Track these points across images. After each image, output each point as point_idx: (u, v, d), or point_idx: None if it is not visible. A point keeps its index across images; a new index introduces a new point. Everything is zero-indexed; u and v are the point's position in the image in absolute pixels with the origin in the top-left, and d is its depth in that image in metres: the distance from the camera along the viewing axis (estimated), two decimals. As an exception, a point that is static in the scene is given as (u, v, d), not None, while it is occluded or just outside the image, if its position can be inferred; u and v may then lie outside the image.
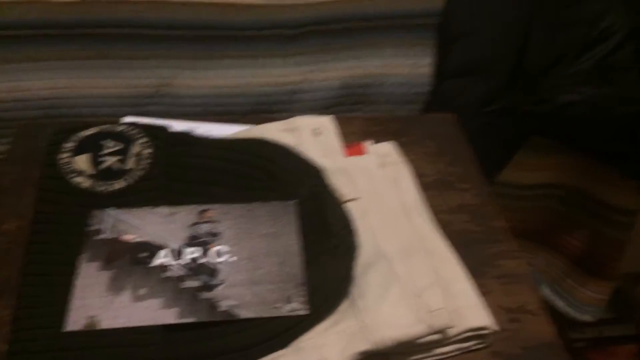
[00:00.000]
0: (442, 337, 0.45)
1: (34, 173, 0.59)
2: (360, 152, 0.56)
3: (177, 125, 0.65)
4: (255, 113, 0.87)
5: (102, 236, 0.46)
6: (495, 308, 0.50)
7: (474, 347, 0.48)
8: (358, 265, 0.47)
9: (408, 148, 0.64)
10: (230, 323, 0.41)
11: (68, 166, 0.49)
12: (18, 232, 0.53)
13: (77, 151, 0.51)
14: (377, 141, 0.62)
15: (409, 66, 0.86)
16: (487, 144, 0.84)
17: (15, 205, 0.56)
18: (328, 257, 0.46)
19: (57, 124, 0.64)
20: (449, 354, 0.47)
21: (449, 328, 0.45)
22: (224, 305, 0.42)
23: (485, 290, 0.51)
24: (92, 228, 0.46)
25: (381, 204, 0.53)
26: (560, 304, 1.10)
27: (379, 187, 0.54)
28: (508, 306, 0.52)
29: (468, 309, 0.47)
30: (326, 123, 0.57)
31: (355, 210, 0.51)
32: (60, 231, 0.46)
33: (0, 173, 0.59)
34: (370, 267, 0.47)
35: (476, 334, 0.47)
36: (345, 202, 0.52)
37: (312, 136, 0.56)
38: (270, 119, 0.61)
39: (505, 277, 0.55)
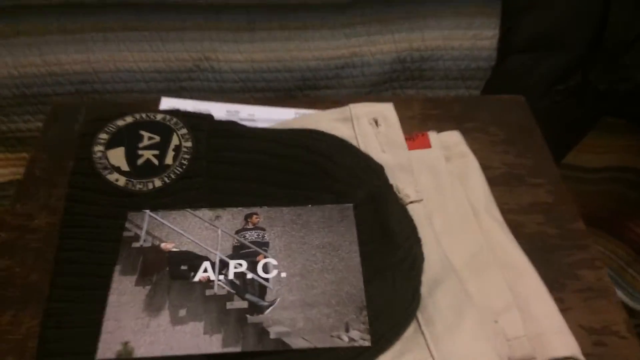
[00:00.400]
0: (521, 368, 0.39)
1: (66, 162, 0.54)
2: (425, 145, 0.50)
3: (217, 108, 0.60)
4: (300, 90, 0.81)
5: (138, 244, 0.41)
6: (576, 328, 0.44)
7: (554, 377, 0.42)
8: (423, 282, 0.41)
9: (472, 135, 0.57)
10: (280, 353, 0.36)
11: (102, 161, 0.45)
12: (49, 229, 0.49)
13: (112, 144, 0.46)
14: (438, 126, 0.55)
15: (470, 38, 0.78)
16: (555, 125, 0.76)
17: (47, 198, 0.52)
18: (392, 274, 0.40)
19: (90, 106, 0.60)
20: (526, 384, 0.42)
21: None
22: (273, 332, 0.37)
23: (564, 307, 0.45)
24: (128, 234, 0.41)
25: (447, 206, 0.47)
26: (618, 293, 1.03)
27: (445, 185, 0.48)
28: (591, 326, 0.46)
29: (552, 335, 0.41)
30: (386, 111, 0.50)
31: (418, 214, 0.45)
32: (93, 236, 0.41)
33: (31, 161, 0.55)
34: (438, 286, 0.41)
35: (559, 364, 0.41)
36: (408, 204, 0.46)
37: (370, 127, 0.49)
38: (316, 97, 0.54)
39: (587, 291, 0.48)
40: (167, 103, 0.60)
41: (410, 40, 0.78)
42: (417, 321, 0.39)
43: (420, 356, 0.37)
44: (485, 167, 0.54)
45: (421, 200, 0.46)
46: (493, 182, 0.53)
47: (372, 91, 0.81)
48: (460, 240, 0.45)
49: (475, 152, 0.54)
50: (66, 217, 0.43)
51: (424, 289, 0.41)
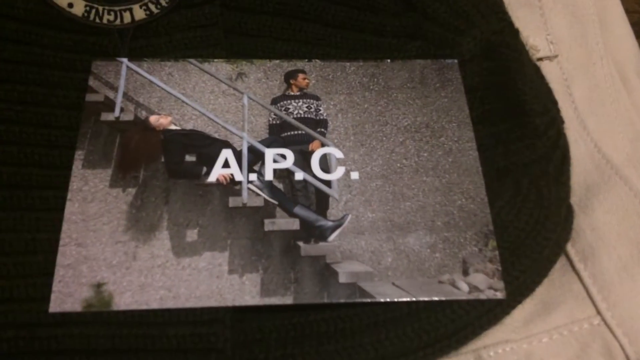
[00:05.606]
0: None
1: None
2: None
3: None
4: None
5: (112, 115, 0.25)
6: None
7: None
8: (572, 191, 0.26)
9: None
10: (356, 307, 0.22)
11: (45, -26, 0.27)
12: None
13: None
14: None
15: None
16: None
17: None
18: (531, 179, 0.25)
19: None
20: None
21: None
22: (343, 272, 0.22)
23: None
24: (94, 98, 0.25)
25: (594, 67, 0.30)
26: None
27: (590, 35, 0.31)
28: None
29: None
30: None
31: (551, 80, 0.29)
32: (35, 99, 0.25)
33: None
34: (596, 196, 0.26)
35: None
36: (537, 61, 0.29)
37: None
38: None
39: None
40: None
41: None
42: (567, 254, 0.25)
43: (580, 314, 0.23)
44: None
45: (556, 56, 0.30)
46: (630, 33, 0.36)
47: None
48: (613, 120, 0.29)
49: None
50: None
51: (573, 202, 0.26)
